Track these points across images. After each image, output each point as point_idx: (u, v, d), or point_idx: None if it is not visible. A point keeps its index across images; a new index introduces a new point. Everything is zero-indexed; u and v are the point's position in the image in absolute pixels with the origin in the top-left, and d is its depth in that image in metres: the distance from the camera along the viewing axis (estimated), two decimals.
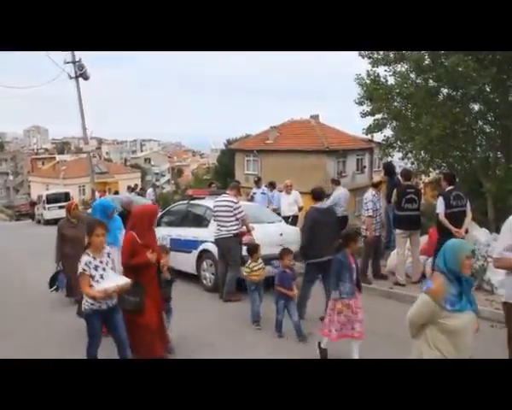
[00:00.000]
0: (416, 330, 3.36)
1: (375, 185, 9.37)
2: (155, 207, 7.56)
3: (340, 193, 11.13)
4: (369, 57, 12.54)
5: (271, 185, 13.42)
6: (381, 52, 12.39)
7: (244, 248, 8.14)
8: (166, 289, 5.98)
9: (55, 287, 8.11)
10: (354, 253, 5.82)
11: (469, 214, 8.12)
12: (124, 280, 4.96)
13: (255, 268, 7.11)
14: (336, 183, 11.81)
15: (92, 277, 4.76)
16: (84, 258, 4.78)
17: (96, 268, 4.79)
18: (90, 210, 18.38)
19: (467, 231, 8.14)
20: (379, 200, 9.30)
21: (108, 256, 4.98)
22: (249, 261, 7.18)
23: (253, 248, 7.29)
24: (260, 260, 7.23)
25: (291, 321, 6.46)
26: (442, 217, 7.89)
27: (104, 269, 4.84)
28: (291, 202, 11.93)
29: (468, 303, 3.23)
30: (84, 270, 4.73)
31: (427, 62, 11.72)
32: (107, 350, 5.27)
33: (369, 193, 9.11)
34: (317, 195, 7.36)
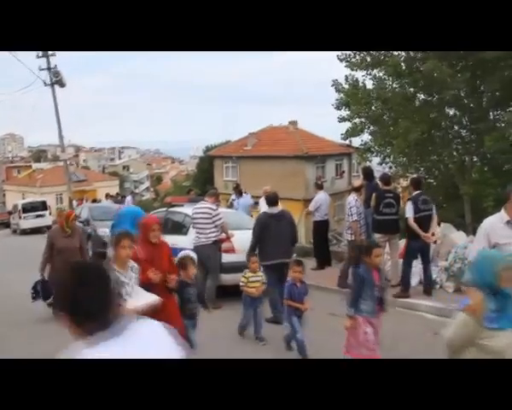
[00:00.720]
0: (455, 354, 3.08)
1: (357, 189, 9.41)
2: (153, 217, 6.34)
3: (321, 197, 11.18)
4: (347, 61, 12.63)
5: (237, 190, 13.60)
6: (358, 56, 12.51)
7: (222, 255, 8.12)
8: (190, 306, 5.38)
9: (33, 295, 7.75)
10: (375, 267, 5.06)
11: (435, 218, 8.29)
12: (153, 298, 4.41)
13: (252, 279, 6.57)
14: (319, 187, 11.89)
15: (120, 295, 4.17)
16: (113, 276, 4.24)
17: (123, 285, 4.29)
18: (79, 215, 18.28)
19: (433, 234, 8.29)
20: (361, 204, 9.37)
21: (132, 270, 4.47)
22: (246, 270, 6.67)
23: (248, 258, 6.81)
24: (261, 273, 6.71)
25: (294, 339, 5.88)
26: (411, 222, 8.00)
27: (130, 285, 4.34)
28: None
29: (510, 320, 2.87)
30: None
31: (403, 68, 11.88)
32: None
33: (352, 198, 9.15)
34: (270, 200, 7.63)
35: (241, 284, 6.58)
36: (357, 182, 10.08)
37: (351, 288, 5.18)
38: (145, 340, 1.93)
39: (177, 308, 5.11)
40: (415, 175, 10.57)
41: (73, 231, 8.00)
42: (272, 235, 7.14)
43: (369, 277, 4.93)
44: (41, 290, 7.72)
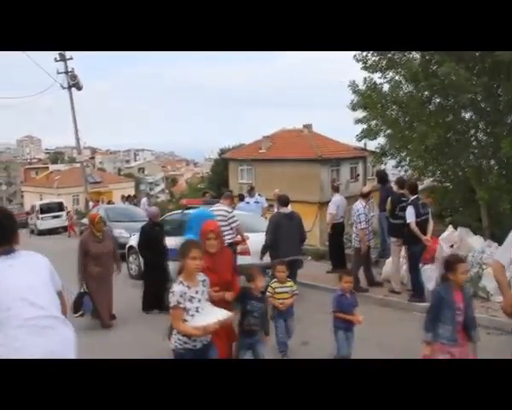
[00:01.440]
0: None
1: (365, 196, 9.39)
2: (209, 224, 4.99)
3: (337, 200, 11.18)
4: (364, 62, 12.59)
5: (251, 192, 14.08)
6: (374, 58, 12.46)
7: (238, 257, 8.16)
8: (251, 321, 4.94)
9: (80, 312, 7.28)
10: (459, 285, 4.40)
11: (431, 222, 8.26)
12: (224, 314, 3.95)
13: (278, 290, 5.85)
14: (335, 189, 11.89)
15: (187, 310, 3.80)
16: (178, 288, 3.80)
17: (191, 300, 3.82)
18: (85, 220, 18.44)
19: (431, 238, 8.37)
20: (369, 210, 9.37)
21: (203, 284, 3.99)
22: (273, 280, 6.03)
23: (272, 268, 6.28)
24: (289, 283, 5.98)
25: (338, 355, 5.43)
26: (414, 226, 8.02)
27: (199, 300, 3.89)
28: None
29: None
30: (178, 303, 3.75)
31: (419, 71, 11.81)
32: (108, 350, 5.22)
33: (360, 204, 9.11)
34: (283, 201, 8.23)
35: (267, 293, 5.79)
36: (366, 188, 10.08)
37: (428, 309, 4.62)
38: (26, 260, 3.06)
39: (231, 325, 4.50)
40: (412, 179, 10.51)
41: (104, 234, 7.73)
42: (284, 233, 7.65)
43: (449, 297, 4.33)
44: (85, 305, 7.33)
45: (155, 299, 8.13)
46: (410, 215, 8.05)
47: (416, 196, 8.29)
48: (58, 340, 2.89)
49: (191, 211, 8.60)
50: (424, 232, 8.06)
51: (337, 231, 11.00)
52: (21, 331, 2.75)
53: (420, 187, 18.52)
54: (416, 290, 8.21)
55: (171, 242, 9.73)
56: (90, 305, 7.39)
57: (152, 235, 8.63)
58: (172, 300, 3.76)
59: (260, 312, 4.98)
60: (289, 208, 8.26)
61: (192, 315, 3.79)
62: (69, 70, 24.27)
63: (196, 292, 3.87)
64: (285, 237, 7.62)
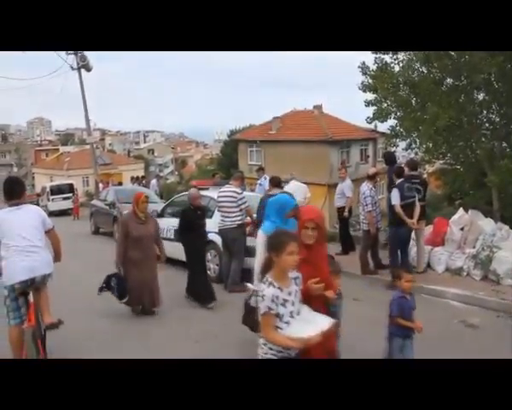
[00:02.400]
0: None
1: (371, 178, 9.34)
2: (309, 211, 3.96)
3: (346, 184, 11.17)
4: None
5: (260, 172, 13.98)
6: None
7: (248, 238, 8.18)
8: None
9: (104, 292, 6.83)
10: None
11: (418, 206, 8.18)
12: (327, 322, 3.25)
13: None
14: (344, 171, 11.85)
15: (280, 316, 3.15)
16: (269, 291, 3.13)
17: (284, 304, 3.17)
18: (94, 201, 18.55)
19: (418, 222, 8.32)
20: (376, 192, 9.31)
21: (296, 283, 3.32)
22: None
23: None
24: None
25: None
26: (399, 209, 8.03)
27: (293, 303, 3.22)
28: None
29: None
30: (269, 308, 3.10)
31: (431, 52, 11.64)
32: (108, 350, 5.28)
33: (366, 187, 9.04)
34: (274, 182, 8.42)
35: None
36: (372, 170, 10.01)
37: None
38: (26, 211, 4.86)
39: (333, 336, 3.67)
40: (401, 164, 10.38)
41: (147, 216, 7.15)
42: None
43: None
44: (116, 287, 6.83)
45: (204, 288, 7.59)
46: (395, 198, 8.09)
47: (402, 180, 8.28)
48: (38, 259, 4.76)
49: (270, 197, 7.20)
50: (410, 216, 8.04)
51: (343, 215, 11.01)
52: (16, 253, 4.67)
53: (430, 169, 18.45)
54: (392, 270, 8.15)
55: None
56: (119, 288, 6.82)
57: (193, 219, 7.78)
58: (262, 305, 3.12)
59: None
60: (280, 190, 8.17)
61: (287, 322, 3.17)
62: (78, 51, 24.20)
63: (289, 294, 3.22)
64: None
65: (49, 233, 5.05)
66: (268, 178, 13.73)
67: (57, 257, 5.23)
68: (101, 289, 6.86)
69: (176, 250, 8.68)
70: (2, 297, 4.83)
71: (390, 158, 10.11)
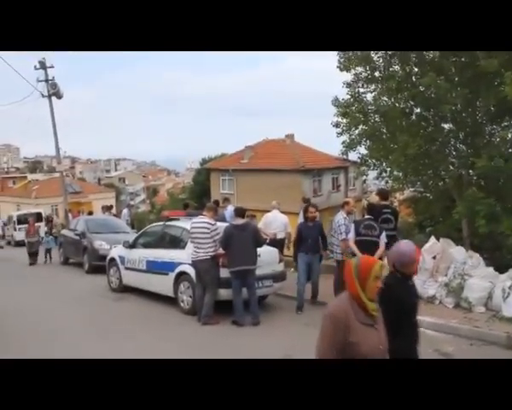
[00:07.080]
0: None
1: (343, 206, 9.39)
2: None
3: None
4: (347, 70, 12.73)
5: (226, 202, 13.74)
6: (358, 68, 12.63)
7: (221, 270, 8.09)
8: None
9: None
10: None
11: (381, 248, 7.93)
12: None
13: None
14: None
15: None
16: None
17: None
18: (64, 231, 18.11)
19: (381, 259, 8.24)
20: (350, 221, 9.31)
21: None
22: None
23: None
24: None
25: None
26: (351, 243, 8.16)
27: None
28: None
29: None
30: None
31: (399, 81, 11.97)
32: (107, 349, 5.07)
33: (340, 216, 9.06)
34: (237, 212, 8.63)
35: None
36: (346, 198, 10.12)
37: None
38: None
39: None
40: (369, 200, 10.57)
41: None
42: (236, 244, 7.97)
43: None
44: None
45: None
46: (351, 232, 8.24)
47: (367, 217, 8.34)
48: None
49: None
50: (369, 253, 7.93)
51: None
52: None
53: (401, 198, 18.76)
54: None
55: (154, 254, 9.66)
56: None
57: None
58: None
59: None
60: (243, 220, 8.45)
61: None
62: (49, 78, 24.00)
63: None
64: (237, 248, 7.94)
65: None
66: (232, 208, 13.76)
67: None
68: None
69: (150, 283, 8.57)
70: None
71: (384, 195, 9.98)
